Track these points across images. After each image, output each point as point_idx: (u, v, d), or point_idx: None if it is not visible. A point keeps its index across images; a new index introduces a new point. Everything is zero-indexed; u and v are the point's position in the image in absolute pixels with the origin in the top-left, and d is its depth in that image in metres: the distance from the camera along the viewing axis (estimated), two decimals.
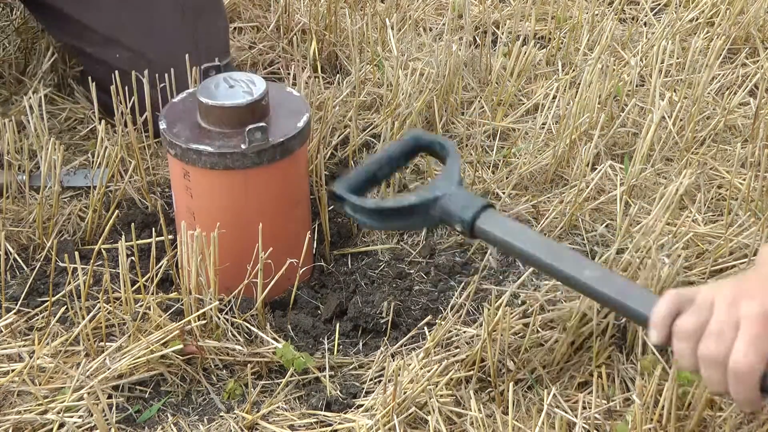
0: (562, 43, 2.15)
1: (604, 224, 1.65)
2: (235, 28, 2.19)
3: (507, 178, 1.75)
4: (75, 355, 1.41)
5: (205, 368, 1.41)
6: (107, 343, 1.41)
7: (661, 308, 1.06)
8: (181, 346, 1.38)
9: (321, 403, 1.35)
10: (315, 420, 1.33)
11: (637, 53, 2.08)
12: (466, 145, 1.84)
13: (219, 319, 1.41)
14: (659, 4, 2.36)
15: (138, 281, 1.46)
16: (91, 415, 1.29)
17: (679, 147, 1.82)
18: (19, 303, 1.50)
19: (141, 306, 1.43)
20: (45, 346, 1.40)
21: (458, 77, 1.93)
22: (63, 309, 1.45)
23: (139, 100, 1.73)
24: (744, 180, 1.69)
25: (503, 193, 1.71)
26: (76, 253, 1.58)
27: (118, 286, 1.48)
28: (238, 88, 1.44)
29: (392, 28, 2.06)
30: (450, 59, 1.89)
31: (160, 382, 1.40)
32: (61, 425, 1.30)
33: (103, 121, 1.69)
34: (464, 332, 1.42)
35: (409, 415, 1.31)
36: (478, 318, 1.47)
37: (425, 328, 1.44)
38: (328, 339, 1.47)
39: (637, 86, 1.97)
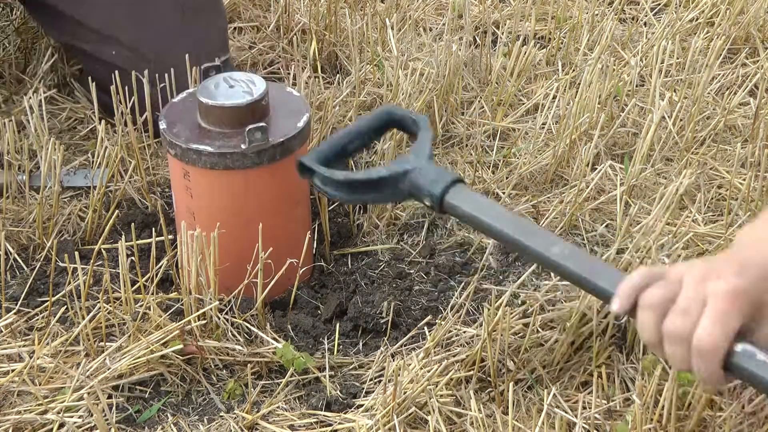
0: (562, 43, 2.15)
1: (604, 224, 1.65)
2: (235, 28, 2.19)
3: (507, 178, 1.75)
4: (75, 355, 1.41)
5: (205, 368, 1.41)
6: (107, 343, 1.41)
7: (630, 279, 1.07)
8: (181, 346, 1.38)
9: (321, 403, 1.35)
10: (315, 420, 1.33)
11: (637, 53, 2.08)
12: (466, 145, 1.85)
13: (219, 319, 1.41)
14: (659, 4, 2.36)
15: (138, 281, 1.46)
16: (91, 415, 1.29)
17: (679, 147, 1.82)
18: (19, 303, 1.50)
19: (141, 306, 1.43)
20: (45, 346, 1.40)
21: (458, 77, 1.93)
22: (63, 309, 1.45)
23: (139, 99, 1.73)
24: (744, 180, 1.69)
25: (503, 193, 1.71)
26: (76, 253, 1.58)
27: (118, 286, 1.48)
28: (238, 88, 1.44)
29: (392, 28, 2.06)
30: (450, 59, 1.89)
31: (160, 382, 1.40)
32: (61, 425, 1.30)
33: (103, 121, 1.69)
34: (464, 332, 1.42)
35: (409, 415, 1.31)
36: (478, 318, 1.47)
37: (425, 328, 1.44)
38: (328, 339, 1.47)
39: (637, 86, 1.97)
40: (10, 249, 1.58)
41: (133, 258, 1.53)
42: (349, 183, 1.28)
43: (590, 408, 1.30)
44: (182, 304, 1.44)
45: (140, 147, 1.75)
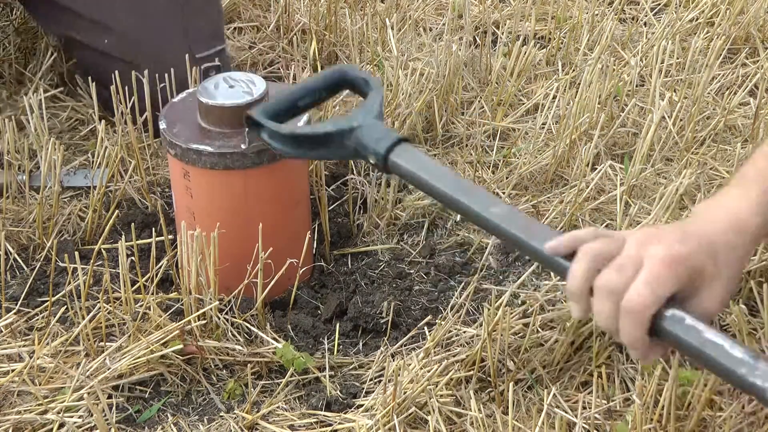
0: (562, 43, 2.15)
1: (604, 224, 1.65)
2: (235, 28, 2.19)
3: (507, 178, 1.75)
4: (75, 355, 1.41)
5: (205, 368, 1.41)
6: (107, 343, 1.41)
7: (575, 232, 1.07)
8: (181, 346, 1.38)
9: (321, 403, 1.35)
10: (315, 420, 1.33)
11: (637, 53, 2.08)
12: (466, 145, 1.85)
13: (219, 319, 1.41)
14: (659, 4, 2.36)
15: (138, 281, 1.45)
16: (91, 415, 1.29)
17: (679, 147, 1.82)
18: (19, 303, 1.50)
19: (141, 306, 1.43)
20: (45, 346, 1.40)
21: (458, 77, 1.93)
22: (63, 309, 1.45)
23: (138, 96, 1.72)
24: None
25: (503, 193, 1.71)
26: (76, 253, 1.58)
27: (118, 286, 1.48)
28: (238, 88, 1.44)
29: (392, 28, 2.06)
30: (450, 59, 1.89)
31: (160, 382, 1.40)
32: (61, 425, 1.30)
33: (103, 121, 1.69)
34: (464, 332, 1.42)
35: (409, 415, 1.31)
36: (478, 318, 1.47)
37: (425, 328, 1.44)
38: (328, 339, 1.47)
39: (637, 86, 1.97)
40: (10, 249, 1.58)
41: (133, 258, 1.53)
42: (294, 137, 1.28)
43: (590, 408, 1.30)
44: (182, 304, 1.44)
45: (140, 147, 1.75)
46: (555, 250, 1.08)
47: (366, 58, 2.07)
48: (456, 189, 1.17)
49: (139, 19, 1.81)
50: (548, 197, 1.72)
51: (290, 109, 1.36)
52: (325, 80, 1.39)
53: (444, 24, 2.16)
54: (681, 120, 1.85)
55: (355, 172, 1.73)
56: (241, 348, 1.40)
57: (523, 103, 1.95)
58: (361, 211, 1.70)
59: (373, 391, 1.37)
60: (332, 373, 1.41)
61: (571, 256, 1.06)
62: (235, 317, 1.43)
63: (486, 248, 1.60)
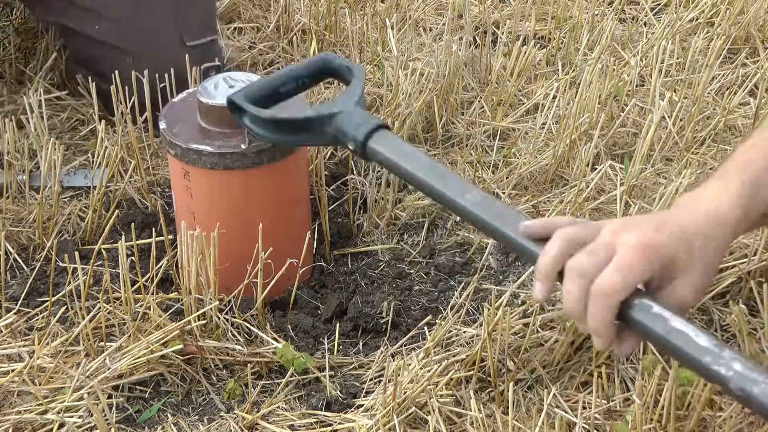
0: (562, 43, 2.15)
1: None
2: (235, 28, 2.19)
3: (507, 178, 1.75)
4: (75, 355, 1.41)
5: (205, 368, 1.41)
6: (107, 343, 1.41)
7: (554, 217, 1.08)
8: (181, 346, 1.38)
9: (321, 403, 1.35)
10: (315, 420, 1.33)
11: (637, 53, 2.08)
12: (466, 145, 1.85)
13: (219, 319, 1.41)
14: (659, 4, 2.36)
15: (138, 281, 1.45)
16: (91, 415, 1.29)
17: (679, 147, 1.82)
18: (19, 303, 1.50)
19: (141, 306, 1.43)
20: (45, 346, 1.40)
21: (458, 77, 1.93)
22: (63, 309, 1.45)
23: (123, 80, 1.72)
24: None
25: (503, 193, 1.71)
26: (76, 253, 1.58)
27: (118, 286, 1.48)
28: (238, 88, 1.44)
29: (392, 28, 2.06)
30: (450, 59, 1.89)
31: (160, 382, 1.40)
32: (61, 425, 1.30)
33: (103, 121, 1.69)
34: (464, 332, 1.42)
35: (409, 415, 1.31)
36: (478, 318, 1.47)
37: (425, 328, 1.44)
38: (328, 339, 1.47)
39: (637, 86, 1.97)
40: (10, 249, 1.58)
41: (133, 258, 1.53)
42: (275, 122, 1.29)
43: (590, 408, 1.30)
44: (182, 304, 1.44)
45: (140, 147, 1.75)
46: (530, 229, 1.09)
47: (366, 58, 2.07)
48: (432, 176, 1.19)
49: (130, 6, 1.81)
50: (548, 197, 1.72)
51: (272, 95, 1.36)
52: (308, 67, 1.39)
53: (444, 24, 2.16)
54: (681, 120, 1.85)
55: (355, 172, 1.73)
56: (241, 348, 1.40)
57: (523, 103, 1.95)
58: (361, 211, 1.70)
59: (373, 391, 1.37)
60: (332, 373, 1.41)
61: (545, 241, 1.07)
62: (235, 317, 1.43)
63: (486, 248, 1.60)
